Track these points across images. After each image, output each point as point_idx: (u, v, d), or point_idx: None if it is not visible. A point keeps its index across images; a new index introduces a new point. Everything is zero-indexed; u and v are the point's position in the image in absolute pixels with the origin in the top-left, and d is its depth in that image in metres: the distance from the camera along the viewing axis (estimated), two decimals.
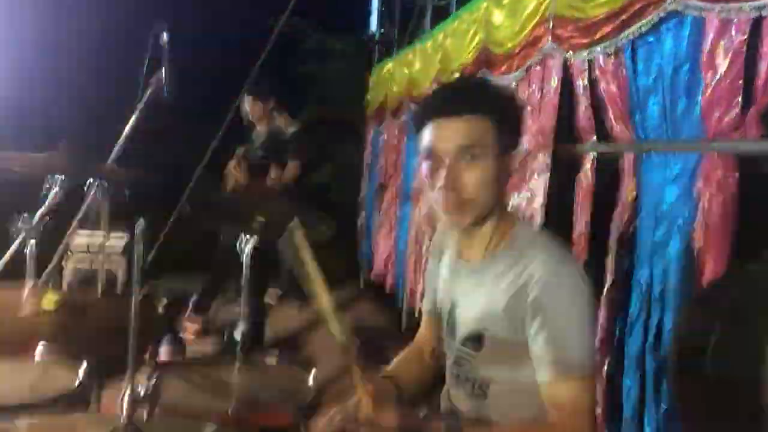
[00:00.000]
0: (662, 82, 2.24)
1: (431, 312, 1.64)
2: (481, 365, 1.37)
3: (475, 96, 1.34)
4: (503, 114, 1.34)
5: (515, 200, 3.11)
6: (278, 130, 4.73)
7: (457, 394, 1.46)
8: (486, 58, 3.54)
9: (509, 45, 3.24)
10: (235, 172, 4.44)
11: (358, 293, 6.56)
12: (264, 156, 4.52)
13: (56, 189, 2.08)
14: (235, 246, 2.34)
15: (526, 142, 3.05)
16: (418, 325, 1.71)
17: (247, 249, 2.31)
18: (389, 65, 6.12)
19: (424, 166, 1.36)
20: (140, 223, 1.06)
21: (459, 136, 1.30)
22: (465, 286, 1.43)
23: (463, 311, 1.42)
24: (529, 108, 3.10)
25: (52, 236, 2.16)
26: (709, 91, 1.97)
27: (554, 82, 2.89)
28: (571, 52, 2.67)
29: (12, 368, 1.49)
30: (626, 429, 2.32)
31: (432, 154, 1.33)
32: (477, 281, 1.39)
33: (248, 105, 4.58)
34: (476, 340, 1.37)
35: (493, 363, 1.36)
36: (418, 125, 1.37)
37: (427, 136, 1.34)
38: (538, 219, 2.85)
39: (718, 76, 1.94)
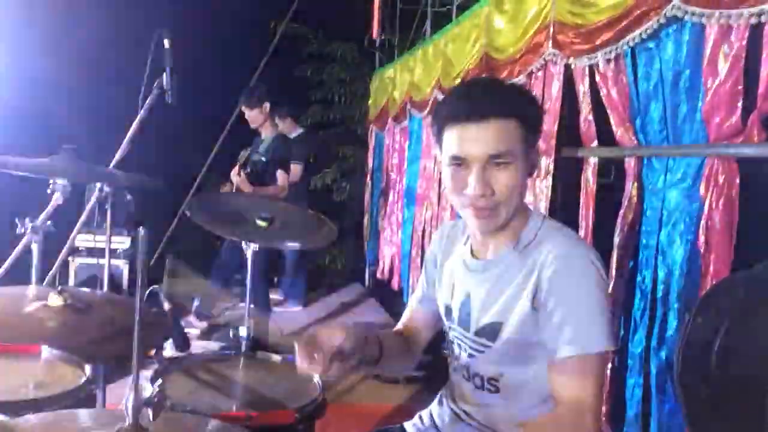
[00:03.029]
0: (663, 88, 2.25)
1: (423, 302, 1.64)
2: (494, 358, 1.38)
3: (502, 98, 1.30)
4: (528, 113, 1.31)
5: None
6: (282, 135, 4.78)
7: (466, 390, 1.47)
8: (487, 64, 3.56)
9: (510, 51, 3.26)
10: (236, 179, 4.48)
11: (364, 292, 6.59)
12: (268, 160, 4.55)
13: (60, 192, 2.09)
14: (238, 249, 2.37)
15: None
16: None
17: (250, 251, 2.33)
18: (391, 70, 6.15)
19: (450, 170, 1.33)
20: (142, 231, 1.07)
21: (489, 142, 1.26)
22: (480, 281, 1.42)
23: (479, 305, 1.42)
24: None
25: (57, 237, 2.17)
26: (709, 96, 1.99)
27: (556, 87, 2.91)
28: (572, 57, 2.69)
29: (18, 366, 1.50)
30: (630, 428, 2.33)
31: (460, 160, 1.30)
32: (493, 276, 1.40)
33: (247, 115, 4.65)
34: (492, 332, 1.37)
35: (507, 356, 1.37)
36: (441, 128, 1.34)
37: (453, 140, 1.30)
38: None
39: (718, 81, 1.96)
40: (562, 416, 1.25)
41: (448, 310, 1.51)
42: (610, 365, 2.47)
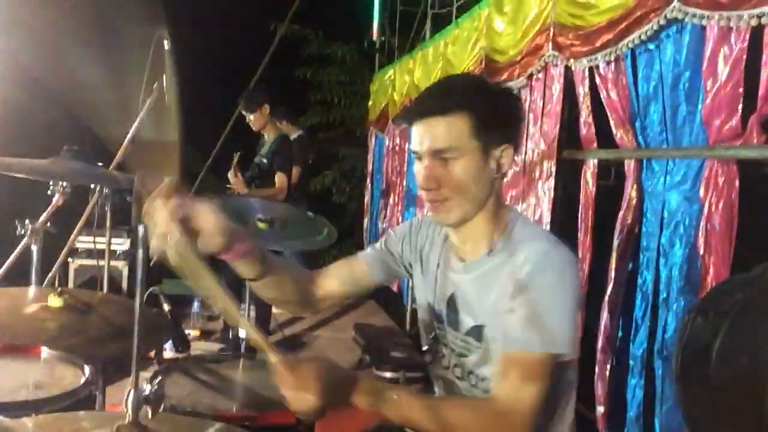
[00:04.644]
0: (663, 90, 2.26)
1: (365, 263, 1.56)
2: (485, 358, 1.38)
3: (449, 95, 1.31)
4: (485, 109, 1.30)
5: (521, 207, 3.13)
6: (283, 136, 4.78)
7: (462, 388, 1.46)
8: (487, 66, 3.56)
9: (511, 53, 3.26)
10: (233, 179, 4.47)
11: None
12: (269, 162, 4.55)
13: (60, 194, 2.10)
14: None
15: (527, 138, 3.07)
16: None
17: None
18: (390, 72, 6.15)
19: (414, 164, 1.38)
20: (141, 230, 1.07)
21: (431, 138, 1.30)
22: (463, 282, 1.42)
23: (465, 305, 1.41)
24: (531, 115, 3.12)
25: (56, 239, 2.17)
26: (709, 98, 1.99)
27: (556, 89, 2.91)
28: (572, 59, 2.69)
29: (17, 367, 1.49)
30: (631, 429, 2.33)
31: (416, 154, 1.35)
32: (475, 277, 1.39)
33: (247, 119, 4.65)
34: (477, 333, 1.37)
35: (496, 356, 1.36)
36: (408, 126, 1.38)
37: (411, 137, 1.36)
38: (545, 224, 2.87)
39: (718, 84, 1.96)
40: (491, 411, 1.20)
41: (431, 309, 1.50)
42: (609, 366, 2.47)
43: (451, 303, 1.45)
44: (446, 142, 1.29)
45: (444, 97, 1.32)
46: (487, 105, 1.31)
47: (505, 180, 1.41)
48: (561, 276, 1.27)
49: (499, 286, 1.33)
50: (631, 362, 2.36)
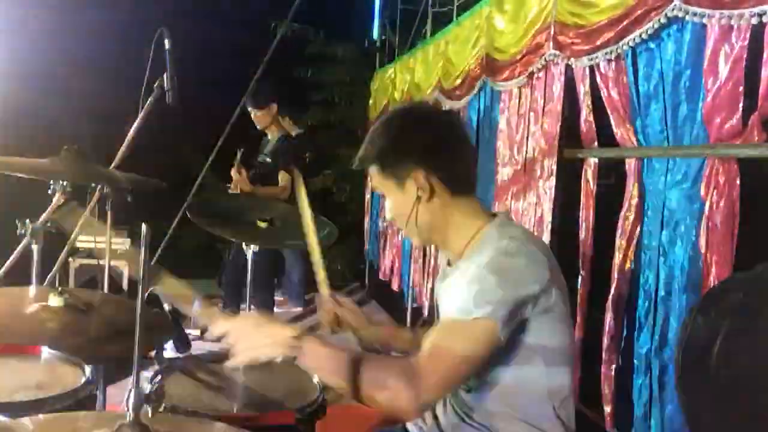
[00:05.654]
0: (663, 88, 2.25)
1: None
2: None
3: (362, 155, 1.53)
4: (382, 155, 1.49)
5: (521, 206, 3.13)
6: (287, 135, 4.78)
7: (462, 391, 1.49)
8: (488, 65, 3.56)
9: (511, 51, 3.26)
10: (236, 176, 4.47)
11: (364, 293, 6.57)
12: (273, 161, 4.55)
13: (60, 193, 2.09)
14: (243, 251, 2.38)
15: (528, 136, 3.07)
16: (425, 323, 1.74)
17: (251, 252, 2.33)
18: (391, 71, 6.15)
19: None
20: (144, 229, 1.07)
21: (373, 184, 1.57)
22: (444, 289, 1.52)
23: (442, 310, 1.51)
24: (532, 114, 3.12)
25: (57, 238, 2.17)
26: (710, 96, 1.99)
27: (557, 88, 2.91)
28: (573, 58, 2.69)
29: (18, 367, 1.50)
30: (638, 428, 2.33)
31: None
32: (450, 283, 1.48)
33: (253, 115, 4.64)
34: None
35: None
36: None
37: None
38: (546, 223, 2.87)
39: (719, 82, 1.96)
40: (401, 366, 1.27)
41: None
42: (614, 366, 2.47)
43: (437, 307, 1.58)
44: (375, 184, 1.54)
45: (360, 158, 1.54)
46: (383, 151, 1.49)
47: (434, 198, 1.46)
48: (512, 261, 1.33)
49: (460, 283, 1.38)
50: (635, 361, 2.36)
